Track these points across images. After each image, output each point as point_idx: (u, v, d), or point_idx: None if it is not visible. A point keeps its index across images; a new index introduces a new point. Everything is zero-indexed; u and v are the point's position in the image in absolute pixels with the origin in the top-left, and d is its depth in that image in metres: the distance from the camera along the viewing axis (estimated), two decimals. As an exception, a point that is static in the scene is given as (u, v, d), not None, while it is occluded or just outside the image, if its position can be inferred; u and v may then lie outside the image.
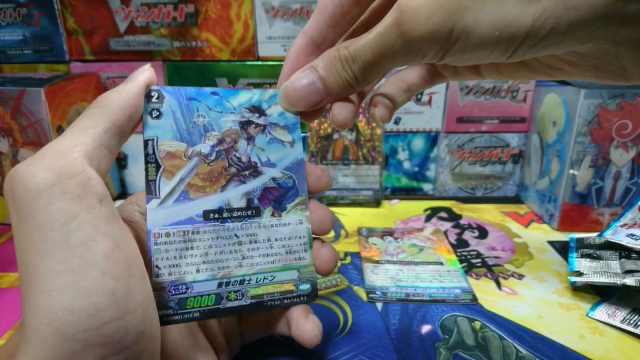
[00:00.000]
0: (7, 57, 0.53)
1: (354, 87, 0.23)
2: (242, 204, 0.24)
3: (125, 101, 0.21)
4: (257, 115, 0.25)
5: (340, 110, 0.25)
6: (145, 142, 0.23)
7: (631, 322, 0.32)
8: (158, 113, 0.23)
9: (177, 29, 0.51)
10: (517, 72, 0.25)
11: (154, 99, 0.23)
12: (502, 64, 0.24)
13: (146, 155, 0.23)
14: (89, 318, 0.17)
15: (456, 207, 0.53)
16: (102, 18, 0.50)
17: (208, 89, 0.24)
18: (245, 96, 0.25)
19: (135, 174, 0.56)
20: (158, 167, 0.23)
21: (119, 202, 0.56)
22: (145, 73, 0.22)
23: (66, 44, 0.51)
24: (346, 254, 0.42)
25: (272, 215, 0.25)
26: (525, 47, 0.19)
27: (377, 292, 0.36)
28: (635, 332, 0.31)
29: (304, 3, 0.49)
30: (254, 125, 0.25)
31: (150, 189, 0.23)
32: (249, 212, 0.24)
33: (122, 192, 0.57)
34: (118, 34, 0.51)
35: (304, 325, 0.25)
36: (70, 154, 0.18)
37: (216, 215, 0.24)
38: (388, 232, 0.46)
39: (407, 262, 0.40)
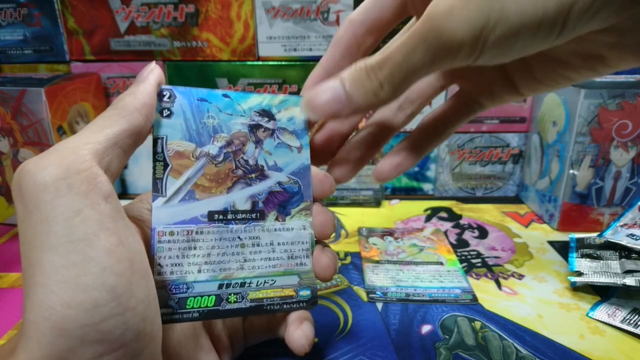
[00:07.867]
0: (8, 57, 0.53)
1: (379, 97, 0.21)
2: (247, 206, 0.24)
3: (140, 102, 0.21)
4: (266, 119, 0.25)
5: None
6: (155, 140, 0.23)
7: (631, 322, 0.32)
8: (169, 112, 0.23)
9: (177, 29, 0.51)
10: (557, 74, 0.22)
11: (165, 98, 0.23)
12: (539, 70, 0.23)
13: (155, 153, 0.23)
14: (87, 313, 0.17)
15: (456, 207, 0.54)
16: (103, 18, 0.50)
17: (219, 91, 0.24)
18: (256, 100, 0.25)
19: (136, 174, 0.56)
20: (166, 165, 0.23)
21: (120, 202, 0.56)
22: (154, 72, 0.22)
23: (67, 44, 0.51)
24: (346, 254, 0.42)
25: (276, 219, 0.25)
26: (575, 16, 0.17)
27: (377, 292, 0.36)
28: (635, 332, 0.31)
29: (304, 3, 0.49)
30: (263, 129, 0.25)
31: (157, 187, 0.23)
32: (254, 215, 0.24)
33: (122, 192, 0.57)
34: (118, 34, 0.51)
35: (293, 333, 0.25)
36: (80, 150, 0.18)
37: (221, 217, 0.24)
38: (388, 232, 0.46)
39: (407, 262, 0.41)
